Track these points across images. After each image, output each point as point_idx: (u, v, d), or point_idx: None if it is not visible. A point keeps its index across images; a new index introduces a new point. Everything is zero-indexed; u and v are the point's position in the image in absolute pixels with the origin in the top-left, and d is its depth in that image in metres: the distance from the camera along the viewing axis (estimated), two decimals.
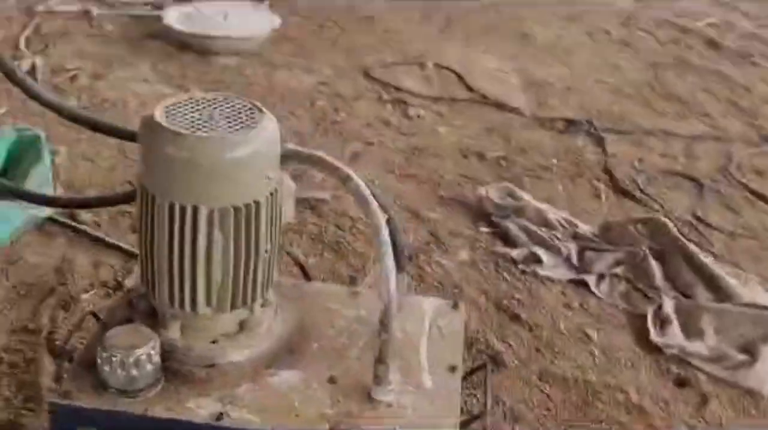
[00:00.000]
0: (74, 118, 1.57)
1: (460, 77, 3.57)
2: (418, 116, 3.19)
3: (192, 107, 1.13)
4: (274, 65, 3.44)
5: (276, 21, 3.66)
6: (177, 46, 3.45)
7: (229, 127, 1.10)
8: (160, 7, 3.73)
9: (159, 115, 1.09)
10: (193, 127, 1.08)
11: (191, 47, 3.43)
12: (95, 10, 3.67)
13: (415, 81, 3.49)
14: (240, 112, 1.13)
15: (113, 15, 3.69)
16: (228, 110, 1.13)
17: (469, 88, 3.48)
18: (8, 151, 2.21)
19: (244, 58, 3.44)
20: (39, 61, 3.03)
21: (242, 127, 1.10)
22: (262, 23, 3.65)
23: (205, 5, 3.68)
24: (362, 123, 3.07)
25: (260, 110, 1.15)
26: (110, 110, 2.92)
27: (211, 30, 3.45)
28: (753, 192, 2.78)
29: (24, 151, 2.24)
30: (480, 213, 2.50)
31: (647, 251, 2.31)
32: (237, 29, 3.53)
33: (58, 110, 1.54)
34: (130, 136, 1.39)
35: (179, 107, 1.12)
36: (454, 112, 3.26)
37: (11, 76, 1.47)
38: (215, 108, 1.13)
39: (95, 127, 1.58)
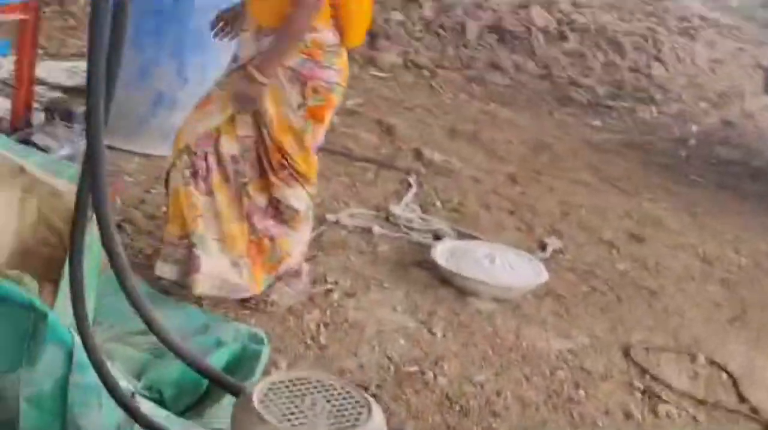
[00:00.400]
0: None
1: (734, 381, 3.21)
2: (667, 416, 2.89)
3: (297, 389, 1.08)
4: (527, 320, 3.36)
5: (544, 275, 3.61)
6: (439, 279, 3.52)
7: (329, 424, 1.04)
8: (438, 238, 3.87)
9: (258, 395, 1.06)
10: (288, 415, 1.03)
11: (451, 284, 3.47)
12: (378, 230, 3.87)
13: (678, 374, 3.21)
14: (346, 408, 1.07)
15: (393, 237, 3.87)
16: (334, 401, 1.08)
17: (741, 398, 3.12)
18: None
19: (500, 305, 3.40)
20: (305, 267, 3.22)
21: (341, 428, 1.03)
22: (529, 275, 3.62)
23: (475, 245, 3.76)
24: (600, 409, 2.84)
25: (369, 410, 1.07)
26: (344, 333, 3.00)
27: (474, 272, 3.48)
28: None
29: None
30: None
31: None
32: (501, 277, 3.53)
33: None
34: None
35: (283, 387, 1.08)
36: (712, 419, 2.92)
37: None
38: (321, 394, 1.08)
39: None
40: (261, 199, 2.98)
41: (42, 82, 4.99)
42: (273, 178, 2.95)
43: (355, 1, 2.91)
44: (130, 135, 4.28)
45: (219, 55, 4.08)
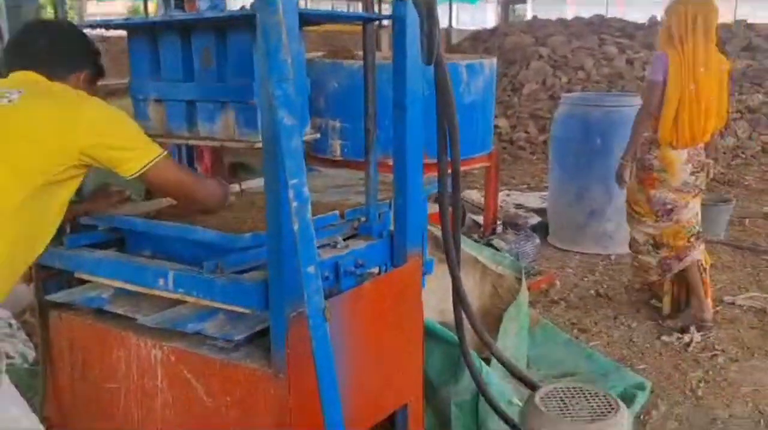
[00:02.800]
0: None
1: None
2: None
3: (569, 393, 1.40)
4: None
5: None
6: None
7: (585, 415, 1.32)
8: None
9: (540, 395, 1.41)
10: (557, 408, 1.34)
11: None
12: None
13: None
14: (602, 408, 1.32)
15: None
16: (593, 402, 1.36)
17: None
18: None
19: None
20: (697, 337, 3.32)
21: (593, 418, 1.32)
22: None
23: None
24: None
25: (618, 409, 1.34)
26: (721, 389, 3.02)
27: None
28: None
29: None
30: None
31: None
32: None
33: None
34: None
35: (560, 391, 1.41)
36: None
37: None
38: (585, 398, 1.37)
39: None
40: None
41: (520, 206, 5.82)
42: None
43: (681, 117, 3.35)
44: (571, 239, 4.79)
45: None
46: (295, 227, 1.47)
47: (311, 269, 1.49)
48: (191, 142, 1.91)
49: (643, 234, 3.63)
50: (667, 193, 3.47)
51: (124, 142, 1.67)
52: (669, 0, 3.48)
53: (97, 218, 1.97)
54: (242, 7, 1.66)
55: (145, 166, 1.66)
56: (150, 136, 1.72)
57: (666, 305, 3.72)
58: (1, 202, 1.59)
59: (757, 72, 8.58)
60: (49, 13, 3.82)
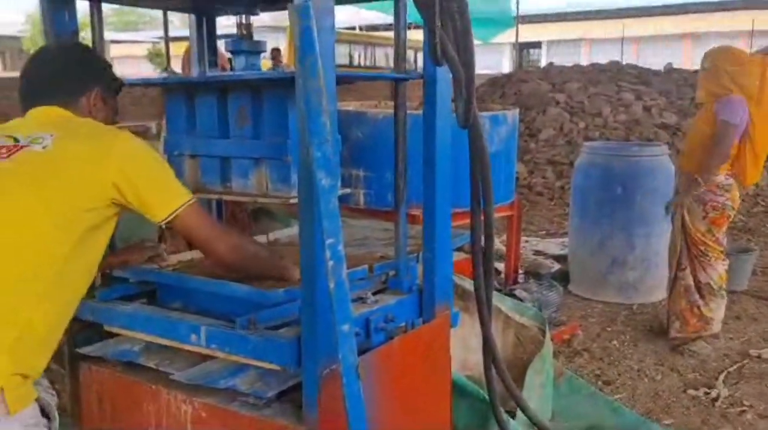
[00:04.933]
0: None
1: None
2: None
3: None
4: None
5: None
6: None
7: None
8: None
9: None
10: None
11: None
12: None
13: None
14: None
15: None
16: None
17: None
18: None
19: None
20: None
21: None
22: None
23: None
24: None
25: None
26: None
27: None
28: None
29: None
30: None
31: None
32: None
33: None
34: None
35: None
36: None
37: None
38: None
39: None
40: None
41: (539, 253, 5.81)
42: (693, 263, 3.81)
43: (746, 157, 3.64)
44: (593, 288, 4.77)
45: (660, 226, 4.41)
46: (331, 285, 1.48)
47: (346, 328, 1.49)
48: (225, 197, 1.94)
49: (718, 276, 3.78)
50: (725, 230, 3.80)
51: (153, 183, 1.64)
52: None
53: (130, 270, 1.99)
54: (275, 66, 1.70)
55: (173, 213, 1.64)
56: None
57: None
58: (47, 259, 1.55)
59: None
60: None
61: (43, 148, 1.61)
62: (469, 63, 1.45)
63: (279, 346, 1.64)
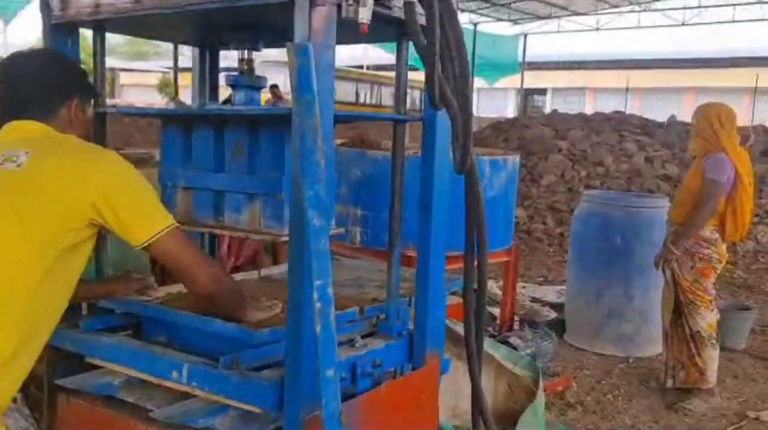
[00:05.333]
0: None
1: None
2: None
3: None
4: None
5: None
6: None
7: None
8: None
9: None
10: None
11: None
12: None
13: None
14: None
15: None
16: None
17: None
18: None
19: None
20: None
21: None
22: None
23: None
24: None
25: None
26: None
27: None
28: None
29: None
30: None
31: None
32: None
33: None
34: None
35: None
36: None
37: None
38: None
39: None
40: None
41: (536, 299, 5.76)
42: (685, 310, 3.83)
43: (734, 215, 3.72)
44: (589, 339, 4.71)
45: (658, 278, 4.37)
46: (318, 328, 1.44)
47: (331, 373, 1.45)
48: (216, 231, 1.92)
49: (707, 325, 3.81)
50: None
51: (134, 205, 1.57)
52: (686, 103, 3.74)
53: (115, 301, 1.95)
54: (274, 101, 1.69)
55: (153, 237, 1.56)
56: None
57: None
58: (21, 281, 1.50)
59: None
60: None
61: (18, 166, 1.54)
62: (466, 108, 1.44)
63: (261, 388, 1.59)
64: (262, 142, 1.81)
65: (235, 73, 1.95)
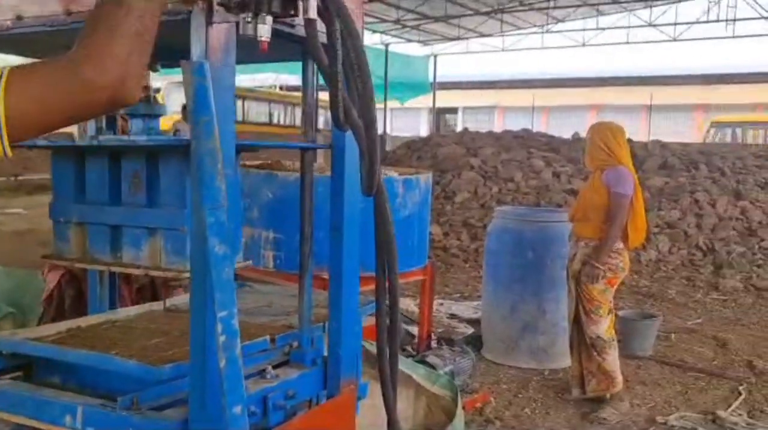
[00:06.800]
0: None
1: None
2: None
3: None
4: None
5: None
6: None
7: None
8: None
9: None
10: None
11: None
12: None
13: None
14: None
15: None
16: None
17: None
18: None
19: None
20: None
21: None
22: None
23: None
24: None
25: None
26: None
27: None
28: None
29: None
30: None
31: None
32: None
33: None
34: None
35: None
36: None
37: None
38: None
39: None
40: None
41: (453, 316, 5.78)
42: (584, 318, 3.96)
43: (635, 222, 3.90)
44: (505, 353, 4.75)
45: (566, 291, 4.46)
46: (222, 363, 1.36)
47: (238, 410, 1.37)
48: (113, 268, 1.79)
49: (606, 328, 3.94)
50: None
51: None
52: (589, 120, 3.92)
53: (2, 341, 1.79)
54: (175, 131, 1.61)
55: None
56: (69, 260, 1.59)
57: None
58: None
59: (672, 189, 9.05)
60: None
61: None
62: (371, 128, 1.40)
63: (164, 428, 1.49)
64: (161, 173, 1.70)
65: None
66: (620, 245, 3.90)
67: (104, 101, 1.10)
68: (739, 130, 17.91)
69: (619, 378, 3.99)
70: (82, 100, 1.09)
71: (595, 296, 3.91)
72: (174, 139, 1.63)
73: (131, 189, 1.71)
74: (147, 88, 1.85)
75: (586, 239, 3.96)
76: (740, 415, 3.95)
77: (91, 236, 1.78)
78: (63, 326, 1.93)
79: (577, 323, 4.02)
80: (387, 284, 1.79)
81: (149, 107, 1.85)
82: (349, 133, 1.67)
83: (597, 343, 3.94)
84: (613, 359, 3.96)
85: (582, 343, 4.02)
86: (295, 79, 18.48)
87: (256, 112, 17.13)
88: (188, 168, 1.52)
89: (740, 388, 4.35)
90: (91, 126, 1.81)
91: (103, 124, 2.09)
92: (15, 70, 1.06)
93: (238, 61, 1.49)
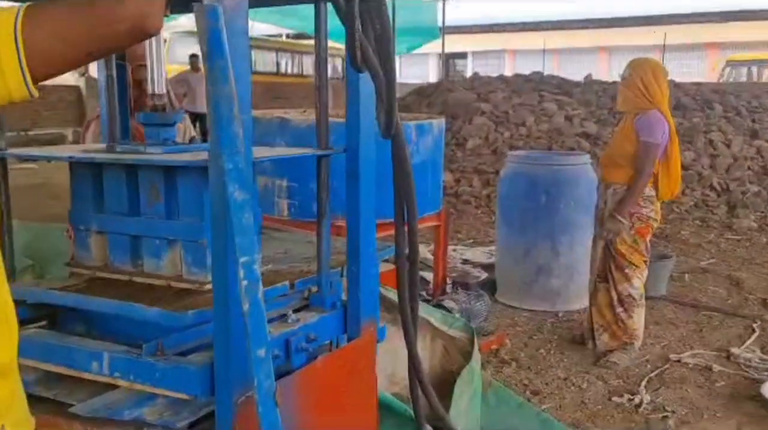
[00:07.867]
0: None
1: None
2: None
3: None
4: None
5: None
6: None
7: None
8: None
9: None
10: None
11: None
12: (717, 367, 3.76)
13: None
14: None
15: (730, 374, 3.73)
16: None
17: None
18: None
19: None
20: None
21: None
22: None
23: None
24: None
25: None
26: None
27: None
28: None
29: None
30: None
31: None
32: None
33: None
34: None
35: None
36: None
37: None
38: None
39: None
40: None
41: (467, 261, 5.81)
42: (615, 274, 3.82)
43: (669, 172, 3.74)
44: (519, 296, 4.78)
45: (583, 233, 4.46)
46: (245, 307, 1.36)
47: (262, 353, 1.38)
48: (135, 278, 1.77)
49: (640, 284, 3.82)
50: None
51: None
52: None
53: (26, 291, 1.81)
54: (191, 140, 1.58)
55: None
56: (91, 269, 1.58)
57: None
58: None
59: (686, 130, 8.92)
60: None
61: None
62: (389, 69, 1.37)
63: (189, 373, 1.51)
64: (179, 186, 1.68)
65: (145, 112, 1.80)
66: (651, 192, 3.70)
67: (124, 33, 1.06)
68: (755, 69, 17.52)
69: (641, 336, 3.91)
70: (102, 32, 1.05)
71: (626, 249, 3.74)
72: (191, 161, 1.61)
73: (149, 200, 1.70)
74: (161, 96, 1.81)
75: (616, 184, 3.77)
76: (754, 351, 3.98)
77: (112, 245, 1.77)
78: (85, 277, 1.95)
79: (601, 278, 3.89)
80: (406, 227, 1.79)
81: (164, 117, 1.82)
82: (363, 76, 1.65)
83: (626, 301, 3.80)
84: (638, 317, 3.85)
85: (602, 299, 3.89)
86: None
87: (264, 60, 16.90)
88: (206, 183, 1.48)
89: (754, 325, 4.38)
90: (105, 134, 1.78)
91: (118, 133, 2.05)
92: (31, 6, 1.03)
93: (252, 5, 1.46)
